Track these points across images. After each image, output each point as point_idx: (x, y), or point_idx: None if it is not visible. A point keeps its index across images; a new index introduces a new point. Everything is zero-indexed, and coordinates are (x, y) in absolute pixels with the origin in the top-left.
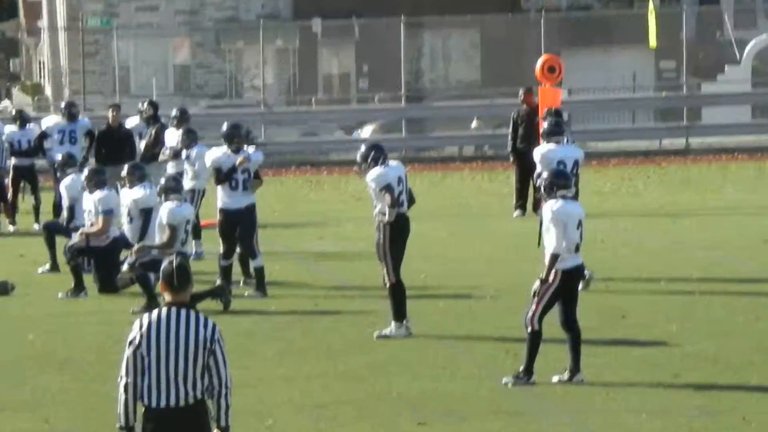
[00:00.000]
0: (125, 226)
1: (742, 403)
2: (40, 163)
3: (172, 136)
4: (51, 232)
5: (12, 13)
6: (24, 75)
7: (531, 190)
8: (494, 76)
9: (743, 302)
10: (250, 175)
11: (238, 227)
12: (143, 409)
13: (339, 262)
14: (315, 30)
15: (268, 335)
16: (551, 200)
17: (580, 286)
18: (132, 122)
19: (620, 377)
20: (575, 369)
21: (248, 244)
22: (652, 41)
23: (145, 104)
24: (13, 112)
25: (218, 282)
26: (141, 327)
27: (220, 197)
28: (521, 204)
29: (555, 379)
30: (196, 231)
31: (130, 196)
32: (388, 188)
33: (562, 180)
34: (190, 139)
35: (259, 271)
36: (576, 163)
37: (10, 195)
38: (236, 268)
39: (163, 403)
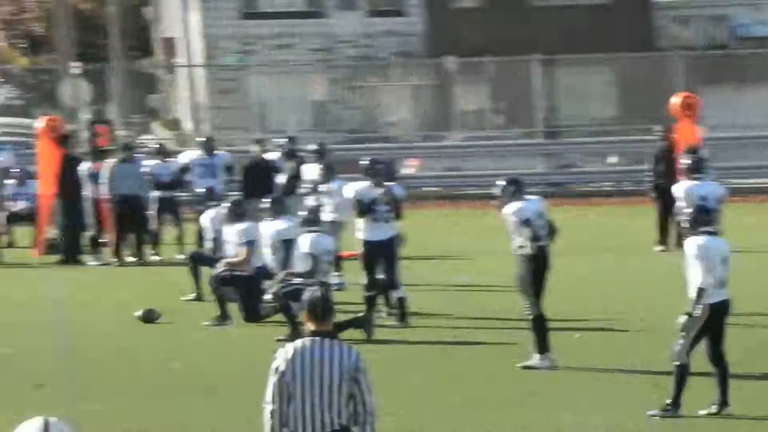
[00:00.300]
0: (268, 258)
1: None
2: (181, 195)
3: (311, 171)
4: (196, 262)
5: (148, 50)
6: (162, 111)
7: (672, 226)
8: (630, 113)
9: None
10: (392, 208)
11: (381, 258)
12: None
13: (478, 294)
14: (447, 67)
15: (410, 364)
16: (695, 236)
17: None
18: (271, 157)
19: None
20: (723, 402)
21: (390, 274)
22: None
23: (285, 139)
24: (155, 147)
25: (363, 312)
26: (286, 355)
27: (364, 229)
28: (663, 239)
29: (702, 412)
30: (337, 262)
31: (272, 228)
32: (526, 222)
33: (706, 216)
34: (329, 173)
35: (401, 301)
36: (718, 200)
37: (154, 226)
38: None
39: (309, 431)
